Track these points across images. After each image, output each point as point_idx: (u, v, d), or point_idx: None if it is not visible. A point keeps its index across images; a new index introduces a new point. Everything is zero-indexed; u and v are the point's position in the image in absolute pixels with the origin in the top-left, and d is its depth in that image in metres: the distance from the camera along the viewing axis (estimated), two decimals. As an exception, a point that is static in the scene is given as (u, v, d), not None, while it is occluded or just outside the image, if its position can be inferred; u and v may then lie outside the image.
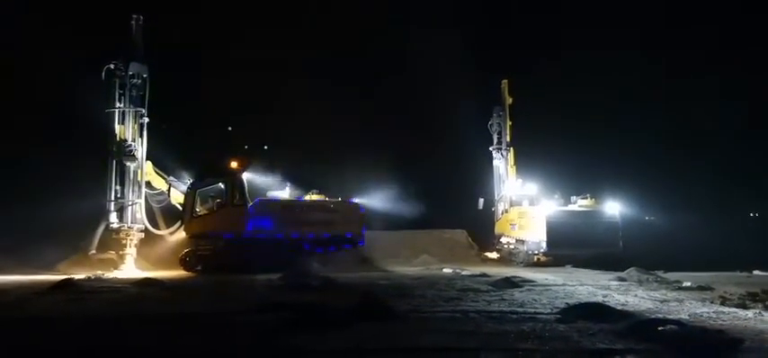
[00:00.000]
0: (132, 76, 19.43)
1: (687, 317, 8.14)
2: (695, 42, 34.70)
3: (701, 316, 8.36)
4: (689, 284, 12.59)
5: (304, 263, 18.20)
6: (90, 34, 24.38)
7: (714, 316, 8.35)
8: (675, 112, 34.20)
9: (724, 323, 7.73)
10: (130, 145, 19.14)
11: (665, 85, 35.31)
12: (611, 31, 35.48)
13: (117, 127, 19.24)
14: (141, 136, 19.60)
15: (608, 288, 12.44)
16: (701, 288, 12.00)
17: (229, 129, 28.84)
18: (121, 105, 19.41)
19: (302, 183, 20.59)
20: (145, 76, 19.62)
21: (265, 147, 28.53)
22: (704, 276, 14.95)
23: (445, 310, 8.93)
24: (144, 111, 19.63)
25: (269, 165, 20.93)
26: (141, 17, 19.82)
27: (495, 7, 40.20)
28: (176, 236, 19.85)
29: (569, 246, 20.78)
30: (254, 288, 12.93)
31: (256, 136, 30.07)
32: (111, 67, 19.27)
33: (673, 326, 6.92)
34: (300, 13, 37.70)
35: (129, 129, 19.34)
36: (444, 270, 19.01)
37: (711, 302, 9.92)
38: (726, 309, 9.02)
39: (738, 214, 31.07)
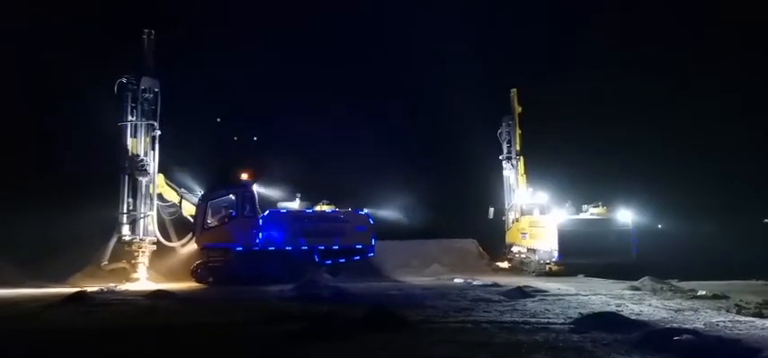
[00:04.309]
0: (144, 91, 19.67)
1: (703, 327, 8.03)
2: (706, 48, 34.47)
3: (717, 325, 8.25)
4: (704, 293, 12.42)
5: (314, 273, 18.24)
6: (103, 48, 24.68)
7: (730, 325, 8.24)
8: (687, 119, 33.90)
9: (740, 332, 7.62)
10: (143, 160, 19.31)
11: (676, 92, 35.04)
12: (620, 39, 35.38)
13: (129, 140, 19.46)
14: (153, 149, 19.79)
15: (621, 297, 12.31)
16: (716, 296, 11.84)
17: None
18: (134, 119, 19.63)
19: (312, 194, 20.65)
20: (156, 90, 19.85)
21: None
22: (719, 285, 14.74)
23: (457, 321, 8.88)
24: (156, 124, 19.83)
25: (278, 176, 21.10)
26: (153, 32, 20.07)
27: (504, 16, 40.19)
28: (188, 248, 19.95)
29: (581, 255, 20.57)
30: (264, 299, 12.94)
31: (266, 146, 30.29)
32: (124, 80, 19.52)
33: (688, 336, 6.83)
34: (309, 22, 37.99)
35: (142, 143, 19.53)
36: (455, 280, 18.93)
37: (727, 311, 9.78)
38: (742, 318, 8.89)
39: (752, 221, 30.67)
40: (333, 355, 6.46)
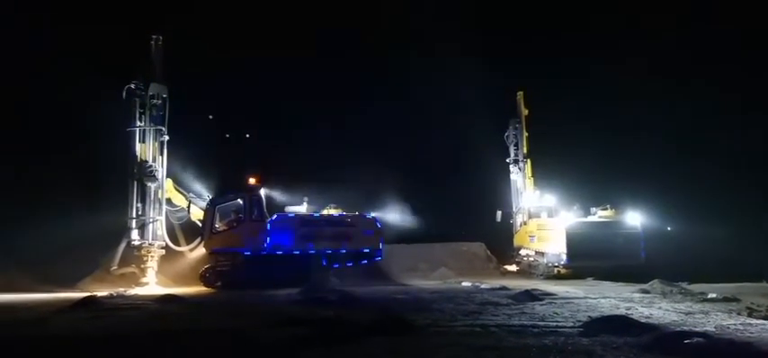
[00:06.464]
0: (152, 96, 19.74)
1: (713, 330, 7.96)
2: (715, 49, 34.25)
3: (728, 328, 8.17)
4: (714, 296, 12.32)
5: (322, 277, 18.25)
6: (111, 53, 24.88)
7: (741, 328, 8.17)
8: (696, 121, 33.67)
9: (752, 335, 7.55)
10: (151, 165, 19.37)
11: (685, 94, 34.82)
12: (627, 40, 35.20)
13: (138, 145, 19.54)
14: (161, 154, 19.88)
15: (631, 300, 12.24)
16: (726, 299, 11.75)
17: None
18: (142, 124, 19.71)
19: (320, 198, 20.67)
20: (165, 95, 19.91)
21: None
22: (730, 287, 14.63)
23: (464, 325, 8.85)
24: (164, 129, 19.91)
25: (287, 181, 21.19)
26: (160, 38, 20.17)
27: (510, 19, 40.17)
28: (196, 252, 20.03)
29: (590, 257, 20.48)
30: (272, 303, 12.97)
31: (274, 151, 30.39)
32: (132, 86, 19.59)
33: (699, 339, 6.78)
34: (315, 28, 38.10)
35: (150, 148, 19.62)
36: (463, 283, 18.88)
37: (738, 314, 9.70)
38: (753, 321, 8.81)
39: (763, 222, 30.37)
40: (340, 359, 6.46)
